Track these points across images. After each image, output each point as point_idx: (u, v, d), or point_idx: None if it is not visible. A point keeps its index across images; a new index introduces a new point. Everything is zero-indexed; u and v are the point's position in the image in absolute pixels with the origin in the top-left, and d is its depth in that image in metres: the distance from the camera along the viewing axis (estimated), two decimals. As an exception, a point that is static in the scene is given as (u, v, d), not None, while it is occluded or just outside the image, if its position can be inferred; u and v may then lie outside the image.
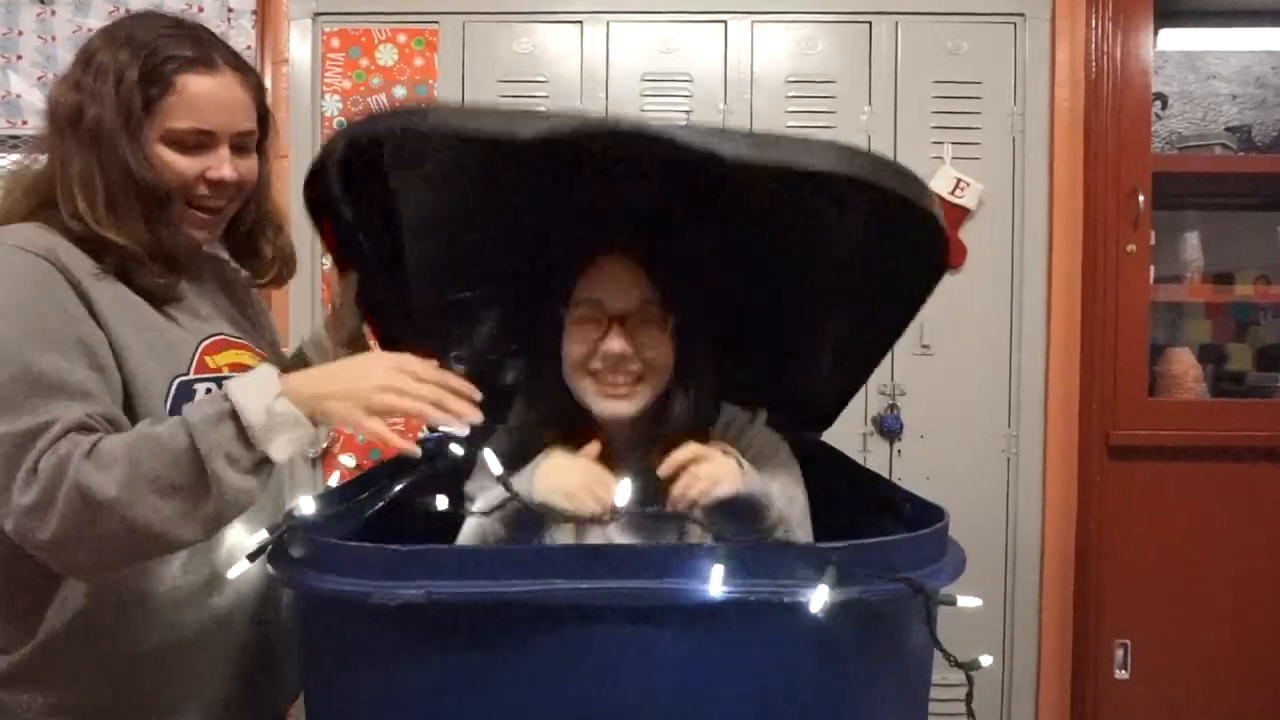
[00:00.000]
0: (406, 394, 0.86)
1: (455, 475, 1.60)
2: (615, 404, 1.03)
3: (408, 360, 0.88)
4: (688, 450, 0.91)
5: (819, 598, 0.75)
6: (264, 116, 1.01)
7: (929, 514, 0.95)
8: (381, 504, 1.06)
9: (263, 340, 1.15)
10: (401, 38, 2.03)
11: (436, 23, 2.02)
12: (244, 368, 1.00)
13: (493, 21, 1.99)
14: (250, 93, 0.98)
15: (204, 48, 0.94)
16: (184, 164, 0.93)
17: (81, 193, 0.89)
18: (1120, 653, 2.04)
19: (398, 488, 1.13)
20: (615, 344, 1.01)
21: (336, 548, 0.82)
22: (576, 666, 0.78)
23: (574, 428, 1.06)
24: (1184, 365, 2.11)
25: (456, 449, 1.50)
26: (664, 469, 0.90)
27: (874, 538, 0.84)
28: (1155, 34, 2.17)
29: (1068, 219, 2.03)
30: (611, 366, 1.02)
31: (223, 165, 0.94)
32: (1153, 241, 2.07)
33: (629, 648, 0.78)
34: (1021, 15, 2.02)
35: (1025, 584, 2.06)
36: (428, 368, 0.88)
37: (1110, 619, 2.04)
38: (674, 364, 1.05)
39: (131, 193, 0.90)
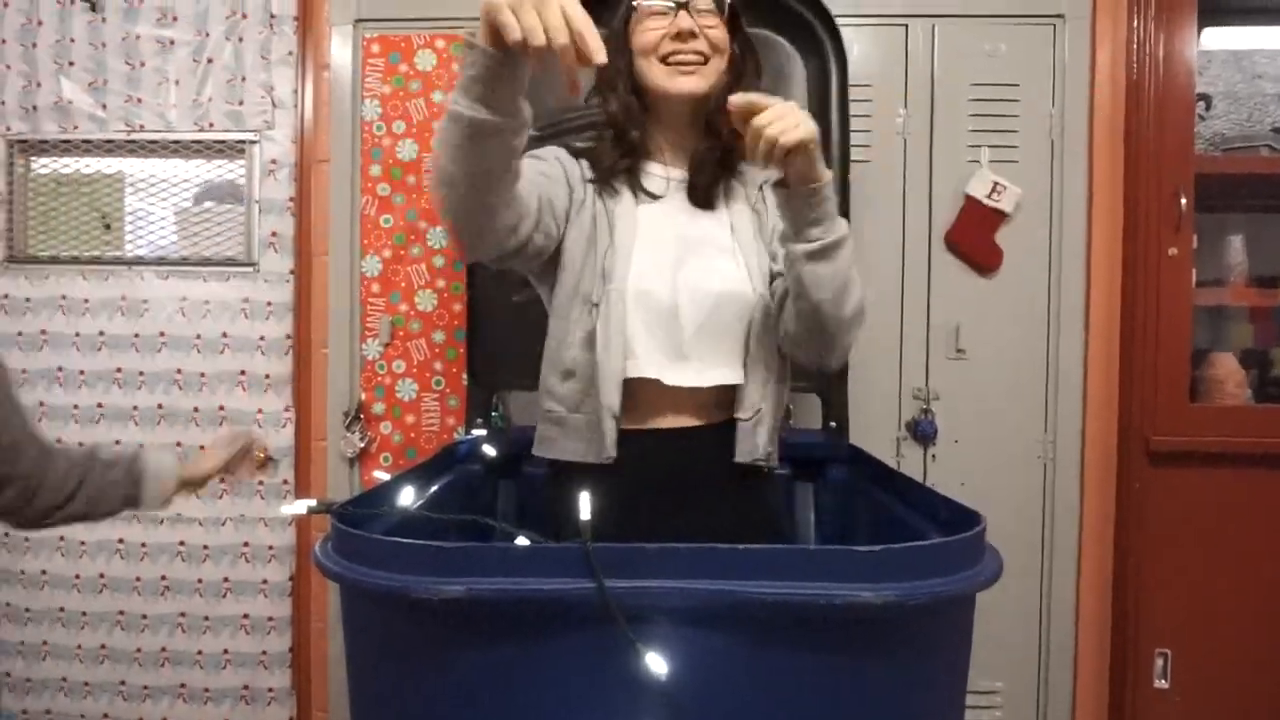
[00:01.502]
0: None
1: (489, 475, 1.63)
2: (686, 80, 1.16)
3: None
4: (765, 99, 0.99)
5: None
6: None
7: (966, 519, 0.94)
8: (422, 501, 1.07)
9: None
10: (440, 43, 2.06)
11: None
12: None
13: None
14: None
15: None
16: None
17: None
18: (1160, 662, 2.01)
19: (435, 487, 1.16)
20: (685, 21, 1.14)
21: (380, 543, 0.84)
22: (612, 664, 0.79)
23: (640, 126, 1.21)
24: (1227, 370, 2.07)
25: (489, 449, 1.53)
26: (737, 101, 0.99)
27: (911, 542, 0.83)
28: (1199, 33, 2.14)
29: (1107, 222, 2.01)
30: (681, 44, 1.14)
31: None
32: (1195, 245, 2.04)
33: (666, 647, 0.79)
34: (1061, 16, 2.00)
35: (1062, 592, 2.03)
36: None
37: (1150, 628, 2.01)
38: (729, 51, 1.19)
39: None
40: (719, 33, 1.18)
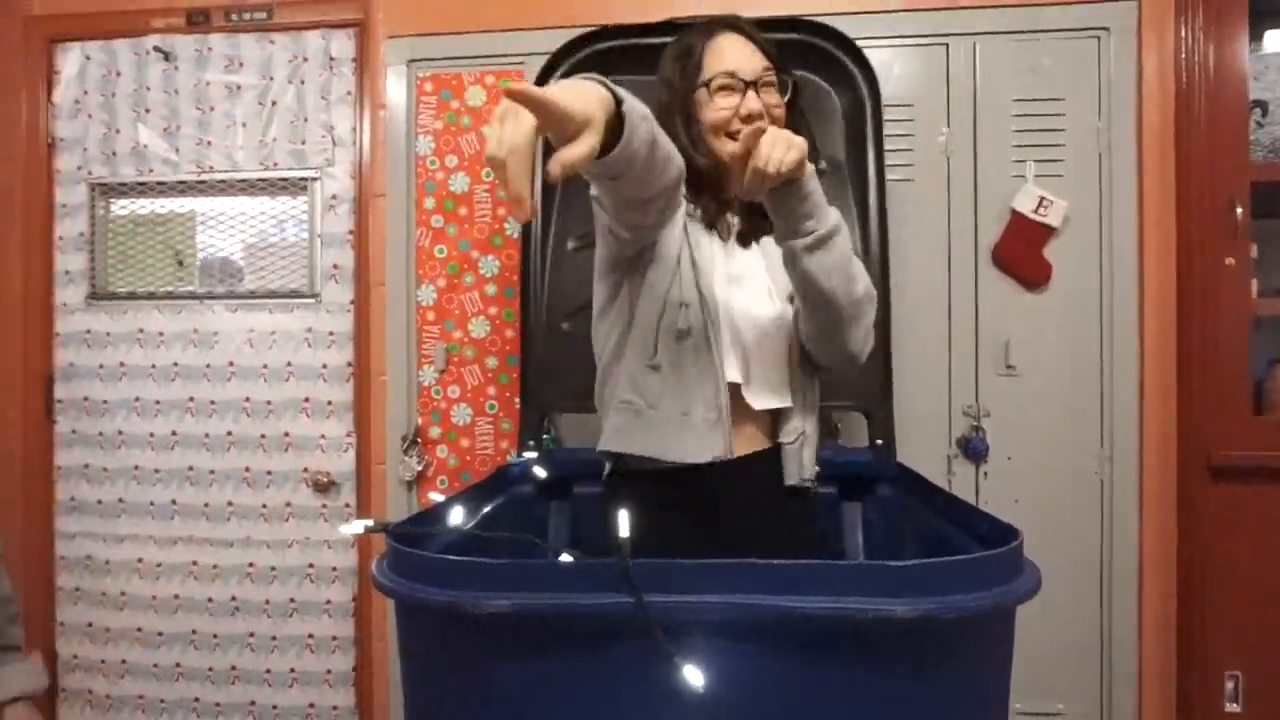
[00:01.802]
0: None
1: (542, 495, 1.68)
2: None
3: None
4: (765, 125, 1.09)
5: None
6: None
7: (1004, 534, 0.95)
8: (475, 521, 1.12)
9: None
10: (489, 79, 2.13)
11: (522, 64, 2.12)
12: None
13: (578, 60, 2.06)
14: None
15: None
16: None
17: None
18: (1231, 685, 1.95)
19: (487, 508, 1.20)
20: (754, 104, 1.23)
21: (431, 560, 0.88)
22: (651, 676, 0.82)
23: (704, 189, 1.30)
24: (1293, 382, 2.01)
25: (540, 471, 1.58)
26: (745, 134, 1.08)
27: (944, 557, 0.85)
28: (1260, 38, 2.11)
29: (1159, 233, 1.97)
30: (748, 125, 1.20)
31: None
32: (1255, 254, 2.00)
33: (704, 659, 0.81)
34: (1106, 29, 1.99)
35: (1124, 612, 1.99)
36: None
37: (1219, 649, 1.95)
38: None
39: None
40: (780, 110, 1.26)
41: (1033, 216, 1.98)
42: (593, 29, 1.85)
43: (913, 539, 1.43)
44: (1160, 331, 1.99)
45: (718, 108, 1.25)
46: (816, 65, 1.83)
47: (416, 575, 0.89)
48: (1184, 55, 1.95)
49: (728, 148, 1.24)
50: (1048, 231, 1.99)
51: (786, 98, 1.28)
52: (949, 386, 2.03)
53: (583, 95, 0.81)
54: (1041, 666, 1.98)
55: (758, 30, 1.31)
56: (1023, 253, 2.00)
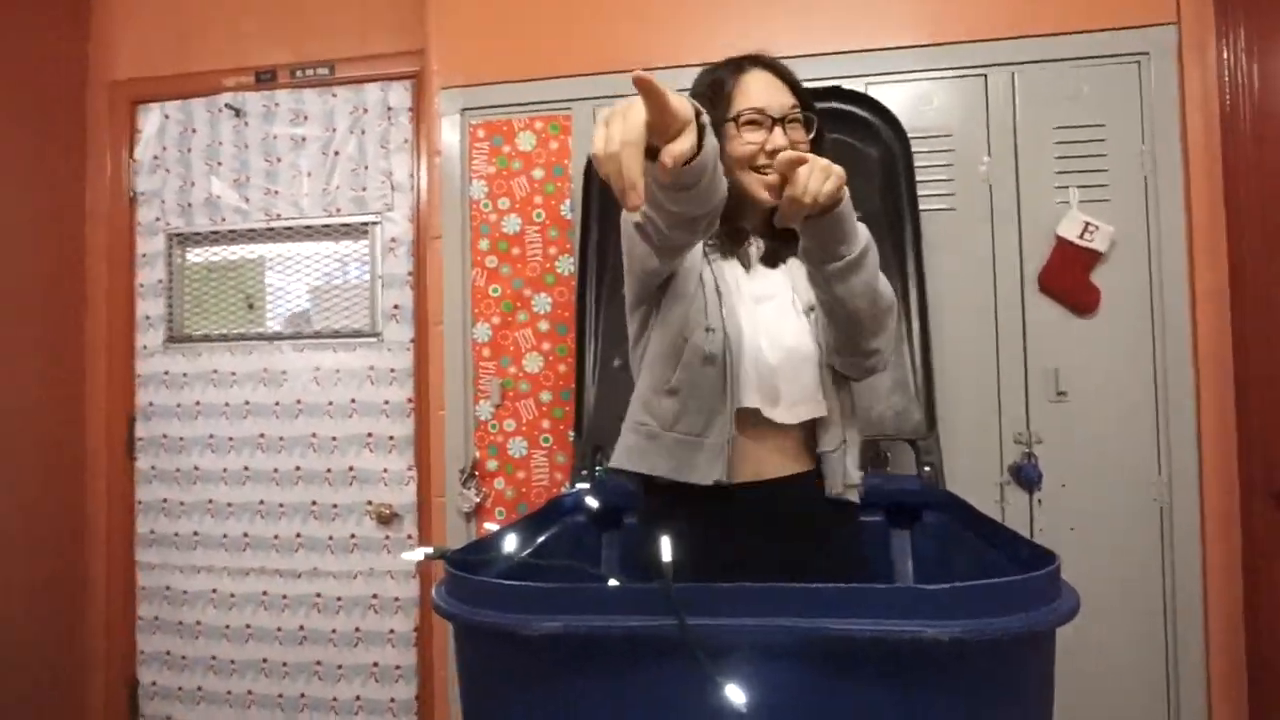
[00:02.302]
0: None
1: (593, 525, 1.73)
2: (775, 191, 1.25)
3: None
4: (805, 154, 1.08)
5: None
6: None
7: (1043, 559, 0.96)
8: (530, 549, 1.17)
9: None
10: (538, 124, 2.22)
11: (569, 109, 2.21)
12: None
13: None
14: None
15: None
16: None
17: None
18: (1304, 717, 1.89)
19: (542, 537, 1.25)
20: (780, 139, 1.27)
21: (486, 584, 0.94)
22: (694, 695, 0.85)
23: (745, 218, 1.34)
24: (1358, 404, 1.97)
25: (592, 502, 1.63)
26: (782, 159, 1.08)
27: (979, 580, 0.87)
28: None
29: (1209, 254, 1.96)
30: (772, 160, 1.23)
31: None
32: (1313, 273, 1.97)
33: (744, 679, 0.85)
34: (1146, 54, 1.99)
35: (1188, 643, 1.94)
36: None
37: (1290, 680, 1.90)
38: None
39: None
40: (804, 146, 1.29)
41: (1078, 242, 1.98)
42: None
43: (961, 566, 1.43)
44: (1216, 354, 1.96)
45: (745, 142, 1.29)
46: (852, 125, 1.94)
47: (472, 599, 0.94)
48: (1227, 76, 1.94)
49: (750, 180, 1.28)
50: (1094, 256, 1.99)
51: (812, 135, 1.32)
52: (999, 414, 2.03)
53: (681, 100, 0.88)
54: (1104, 703, 1.95)
55: (787, 67, 1.36)
56: (1070, 278, 2.00)
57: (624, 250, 1.32)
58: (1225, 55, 1.95)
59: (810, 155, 1.07)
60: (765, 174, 1.29)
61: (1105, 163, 2.00)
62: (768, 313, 1.32)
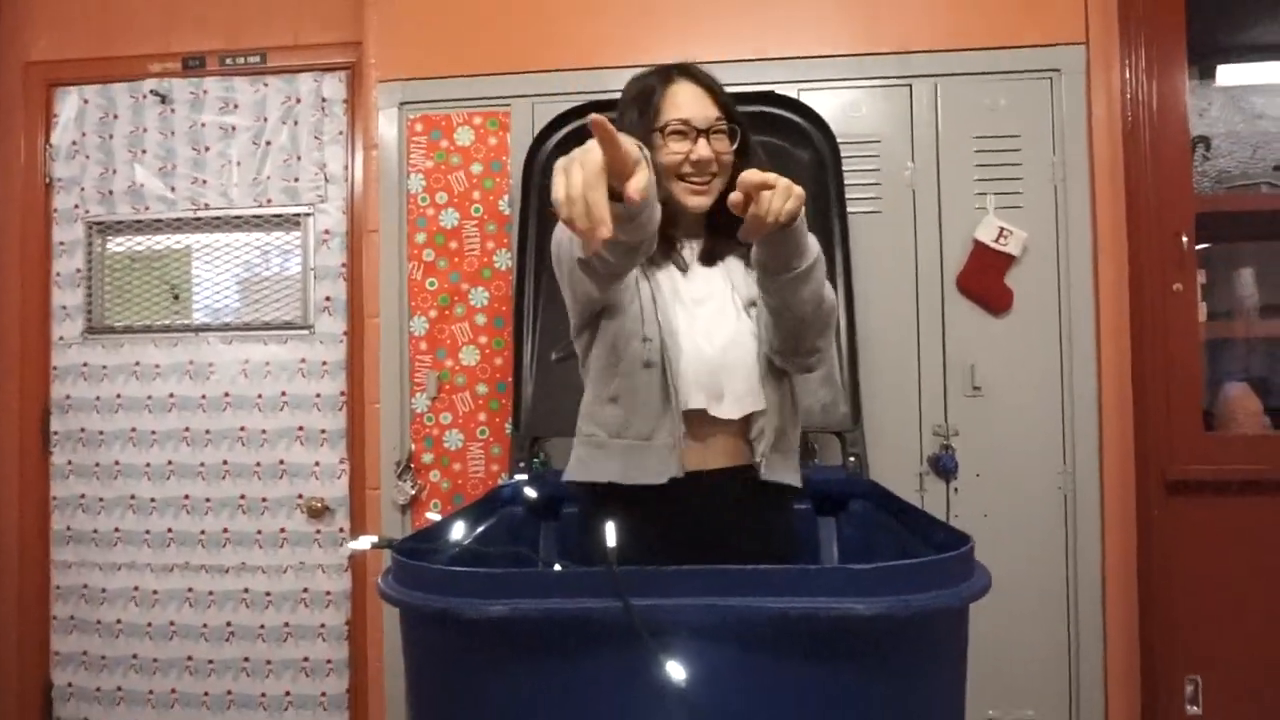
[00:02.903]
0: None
1: (532, 515, 1.76)
2: (697, 198, 1.36)
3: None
4: (768, 174, 1.11)
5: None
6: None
7: (957, 540, 1.04)
8: (470, 539, 1.20)
9: None
10: (477, 120, 2.24)
11: (509, 105, 2.23)
12: None
13: (560, 101, 2.17)
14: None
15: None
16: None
17: None
18: (1191, 688, 2.05)
19: (482, 527, 1.28)
20: (704, 151, 1.33)
21: (435, 571, 0.96)
22: (638, 673, 0.90)
23: (672, 224, 1.37)
24: (1241, 399, 2.13)
25: (531, 492, 1.66)
26: (746, 179, 1.11)
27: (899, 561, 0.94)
28: (1211, 74, 2.25)
29: (1112, 261, 2.10)
30: (699, 169, 1.33)
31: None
32: (1203, 280, 2.12)
33: (685, 658, 0.89)
34: (1057, 70, 2.12)
35: (1089, 620, 2.08)
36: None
37: (1179, 655, 2.05)
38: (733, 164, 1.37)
39: None
40: (728, 156, 1.36)
41: (994, 246, 2.10)
42: (580, 104, 2.04)
43: (884, 550, 1.51)
44: (1116, 354, 2.10)
45: (671, 151, 1.34)
46: (785, 129, 2.01)
47: (420, 585, 0.97)
48: (1129, 95, 2.08)
49: (678, 189, 1.35)
50: (1008, 260, 2.10)
51: (735, 145, 1.37)
52: (919, 407, 2.14)
53: (628, 138, 0.94)
54: (1013, 673, 2.07)
55: (713, 79, 1.40)
56: (985, 280, 2.11)
57: (563, 285, 1.35)
58: (1128, 75, 2.09)
59: (774, 176, 1.11)
60: (691, 183, 1.35)
61: (1020, 171, 2.12)
62: (706, 313, 1.37)
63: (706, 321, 1.36)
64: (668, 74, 1.40)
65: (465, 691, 0.96)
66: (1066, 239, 2.11)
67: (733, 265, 1.42)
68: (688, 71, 1.40)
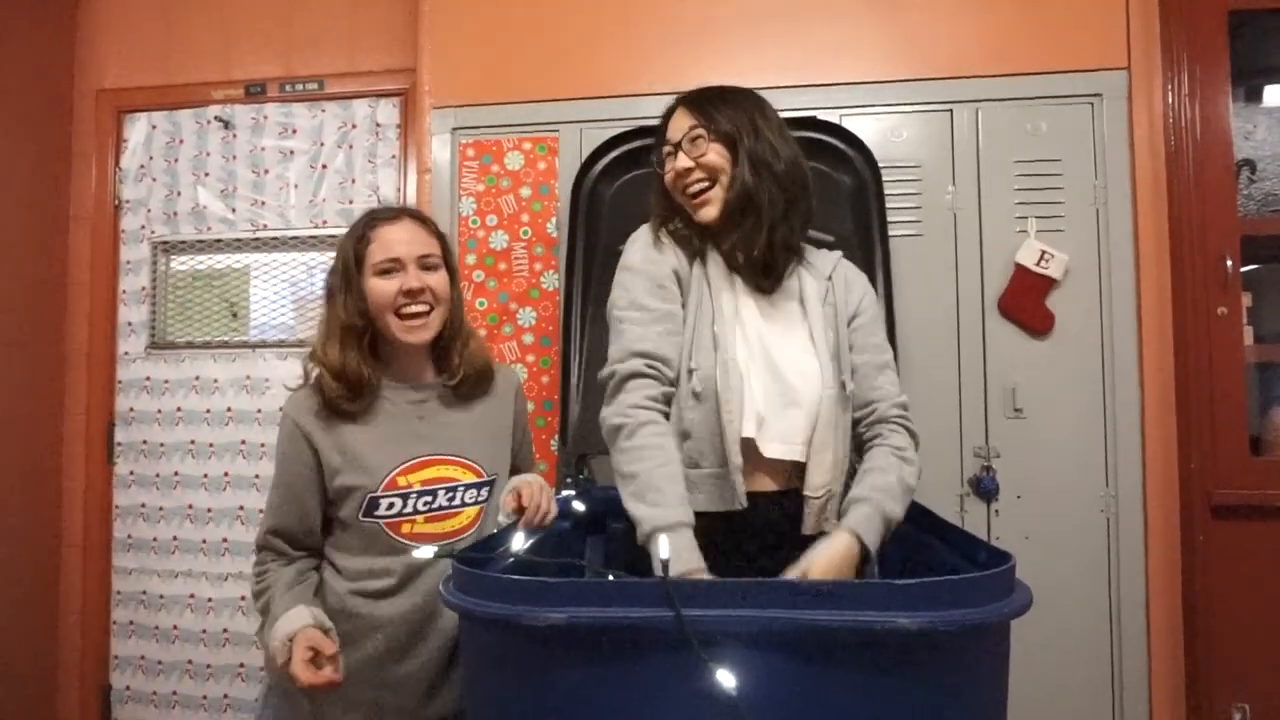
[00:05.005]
0: None
1: (578, 530, 1.80)
2: (705, 210, 1.41)
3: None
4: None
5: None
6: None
7: (999, 559, 1.06)
8: (525, 547, 1.25)
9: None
10: (527, 145, 2.31)
11: (557, 130, 2.30)
12: (443, 480, 1.46)
13: (606, 126, 2.23)
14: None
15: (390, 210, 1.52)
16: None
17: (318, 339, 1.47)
18: (1238, 716, 2.02)
19: (528, 540, 1.33)
20: (684, 162, 1.39)
21: (497, 579, 1.01)
22: (688, 680, 0.94)
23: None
24: (1290, 424, 2.12)
25: (579, 506, 1.71)
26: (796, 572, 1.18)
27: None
28: (1258, 96, 2.24)
29: (1155, 284, 2.10)
30: (687, 180, 1.41)
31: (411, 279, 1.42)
32: (1249, 303, 2.12)
33: (734, 666, 0.93)
34: (1099, 95, 2.14)
35: (1132, 645, 2.07)
36: None
37: (1226, 682, 2.03)
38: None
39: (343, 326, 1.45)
40: (714, 157, 1.37)
41: (1035, 269, 2.11)
42: (626, 130, 2.12)
43: (924, 569, 1.53)
44: (1160, 377, 2.10)
45: (669, 169, 1.43)
46: (827, 154, 2.05)
47: (483, 593, 1.01)
48: (1171, 119, 2.09)
49: (684, 205, 1.43)
50: (1049, 283, 2.12)
51: (713, 141, 1.37)
52: (960, 429, 2.15)
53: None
54: (1057, 699, 2.07)
55: (704, 99, 1.42)
56: (1026, 303, 2.13)
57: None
58: (1170, 99, 2.10)
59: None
60: (687, 195, 1.41)
61: (1061, 195, 2.14)
62: (771, 341, 1.36)
63: (768, 351, 1.35)
64: (671, 106, 1.47)
65: (521, 693, 1.01)
66: (1108, 262, 2.12)
67: (812, 299, 1.41)
68: (681, 99, 1.45)
